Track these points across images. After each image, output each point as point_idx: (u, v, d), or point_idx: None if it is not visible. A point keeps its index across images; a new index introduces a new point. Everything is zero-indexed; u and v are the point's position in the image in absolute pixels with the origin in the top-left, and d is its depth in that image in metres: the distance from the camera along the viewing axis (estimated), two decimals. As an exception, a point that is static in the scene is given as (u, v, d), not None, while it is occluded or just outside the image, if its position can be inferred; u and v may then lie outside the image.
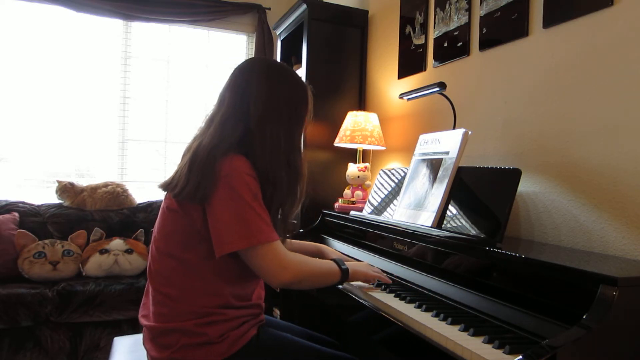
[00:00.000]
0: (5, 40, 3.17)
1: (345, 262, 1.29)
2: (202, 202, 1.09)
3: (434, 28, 2.12)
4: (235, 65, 1.26)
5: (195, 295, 1.12)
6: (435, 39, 2.11)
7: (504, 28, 1.71)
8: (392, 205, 1.78)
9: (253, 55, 3.63)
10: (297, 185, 1.21)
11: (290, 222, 1.24)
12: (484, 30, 1.81)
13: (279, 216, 1.19)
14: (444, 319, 1.07)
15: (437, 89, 1.79)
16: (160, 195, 3.56)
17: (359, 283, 1.36)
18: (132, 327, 2.45)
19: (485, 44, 1.81)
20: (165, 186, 1.19)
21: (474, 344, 0.92)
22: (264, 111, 1.17)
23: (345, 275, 1.25)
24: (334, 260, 1.28)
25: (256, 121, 1.16)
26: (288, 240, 1.55)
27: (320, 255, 1.58)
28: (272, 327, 1.27)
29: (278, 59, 3.30)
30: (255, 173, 1.12)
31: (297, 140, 1.24)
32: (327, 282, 1.23)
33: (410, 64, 2.30)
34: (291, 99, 1.23)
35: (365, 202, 2.02)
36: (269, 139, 1.15)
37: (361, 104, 2.70)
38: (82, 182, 2.98)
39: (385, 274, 1.37)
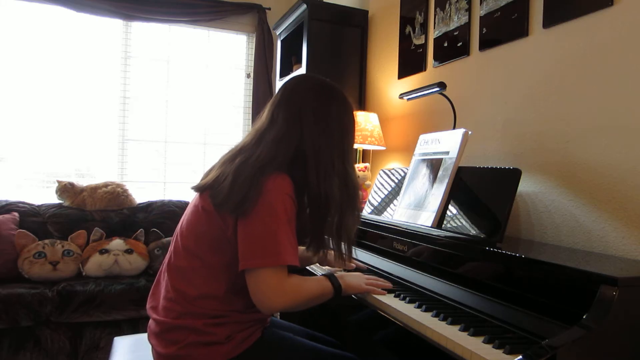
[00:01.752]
0: (5, 40, 3.17)
1: (339, 275, 1.27)
2: (242, 215, 1.08)
3: (434, 28, 2.12)
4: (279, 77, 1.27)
5: (210, 298, 1.12)
6: (435, 39, 2.11)
7: (504, 28, 1.71)
8: (392, 205, 1.78)
9: (253, 55, 3.63)
10: (355, 203, 1.21)
11: (353, 239, 1.25)
12: (484, 30, 1.81)
13: (343, 239, 1.20)
14: (444, 319, 1.07)
15: (437, 89, 1.79)
16: (159, 195, 3.58)
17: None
18: (132, 327, 2.44)
19: (485, 44, 1.81)
20: (202, 189, 1.18)
21: (473, 344, 0.92)
22: (318, 132, 1.17)
23: (339, 292, 1.23)
24: (326, 275, 1.25)
25: (310, 144, 1.16)
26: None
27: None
28: (273, 327, 1.28)
29: (278, 59, 3.30)
30: (295, 195, 1.11)
31: (351, 161, 1.25)
32: (319, 302, 1.21)
33: (410, 64, 2.30)
34: (342, 118, 1.23)
35: (365, 202, 2.02)
36: (323, 164, 1.15)
37: (361, 104, 2.70)
38: (82, 182, 2.98)
39: (382, 280, 1.34)
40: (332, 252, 1.26)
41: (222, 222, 1.11)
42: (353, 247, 1.26)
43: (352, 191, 1.20)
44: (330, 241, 1.21)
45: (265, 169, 1.09)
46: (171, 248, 1.21)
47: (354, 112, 1.29)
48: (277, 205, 1.07)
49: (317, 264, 1.59)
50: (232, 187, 1.08)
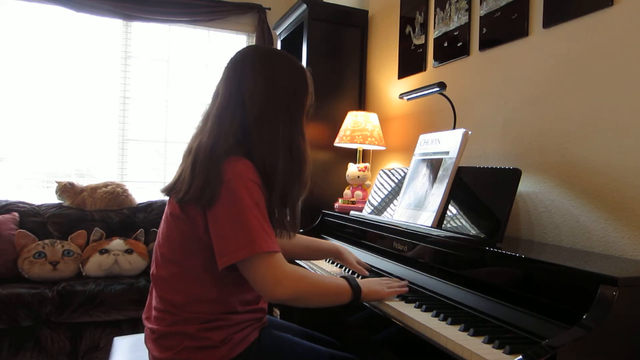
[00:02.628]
0: (6, 40, 3.17)
1: (359, 280, 1.22)
2: (207, 205, 1.04)
3: (434, 28, 2.12)
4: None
5: (199, 302, 1.10)
6: (435, 39, 2.11)
7: (504, 28, 1.71)
8: (392, 205, 1.78)
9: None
10: (302, 172, 1.16)
11: (298, 213, 1.20)
12: (484, 30, 1.81)
13: (286, 209, 1.14)
14: (444, 319, 1.07)
15: (437, 89, 1.79)
16: (160, 195, 3.57)
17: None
18: (132, 327, 2.45)
19: (485, 44, 1.81)
20: (168, 190, 1.16)
21: (474, 344, 0.92)
22: (259, 103, 1.12)
23: (358, 294, 1.17)
24: (345, 277, 1.20)
25: (252, 114, 1.11)
26: (298, 235, 1.51)
27: (337, 256, 1.54)
28: (272, 328, 1.27)
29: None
30: (259, 178, 1.07)
31: (300, 127, 1.18)
32: (333, 302, 1.15)
33: (410, 64, 2.30)
34: (289, 85, 1.17)
35: (365, 202, 2.02)
36: (266, 132, 1.11)
37: (361, 104, 2.70)
38: (82, 182, 2.98)
39: (397, 281, 1.31)
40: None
41: (191, 222, 1.08)
42: (297, 219, 1.20)
43: (298, 161, 1.14)
44: (279, 213, 1.13)
45: (217, 148, 1.06)
46: (153, 258, 1.19)
47: (305, 78, 1.20)
48: (240, 192, 1.03)
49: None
50: (191, 178, 1.06)
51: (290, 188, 1.13)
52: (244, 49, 1.22)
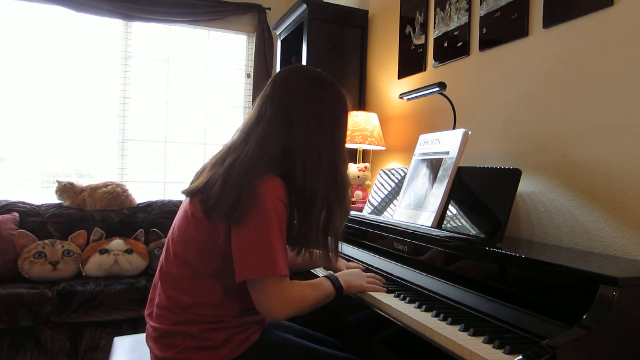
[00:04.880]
0: (5, 40, 3.17)
1: (339, 275, 1.26)
2: (235, 222, 1.04)
3: (434, 28, 2.12)
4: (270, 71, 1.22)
5: (205, 305, 1.10)
6: (435, 39, 2.11)
7: (504, 28, 1.71)
8: (392, 205, 1.78)
9: (253, 55, 3.63)
10: (344, 198, 1.16)
11: (340, 236, 1.20)
12: (484, 30, 1.81)
13: (330, 235, 1.16)
14: (444, 319, 1.07)
15: (437, 89, 1.79)
16: (159, 195, 3.58)
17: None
18: (132, 327, 2.44)
19: (485, 44, 1.81)
20: (192, 193, 1.14)
21: (474, 344, 0.92)
22: (306, 129, 1.12)
23: (340, 293, 1.22)
24: (327, 277, 1.24)
25: (298, 138, 1.11)
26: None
27: (327, 267, 1.53)
28: (272, 328, 1.27)
29: (278, 59, 3.30)
30: (287, 199, 1.08)
31: (342, 153, 1.18)
32: (321, 305, 1.20)
33: (410, 64, 2.30)
34: (334, 110, 1.17)
35: (365, 202, 2.02)
36: (310, 158, 1.11)
37: (361, 104, 2.70)
38: (82, 182, 2.97)
39: (378, 278, 1.34)
40: (317, 252, 1.21)
41: (212, 229, 1.08)
42: (340, 245, 1.22)
43: (341, 187, 1.15)
44: (317, 240, 1.15)
45: (254, 169, 1.05)
46: (163, 253, 1.19)
47: (347, 104, 1.22)
48: (270, 212, 1.03)
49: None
50: (222, 192, 1.05)
51: (333, 215, 1.14)
52: (291, 68, 1.23)
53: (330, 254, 1.18)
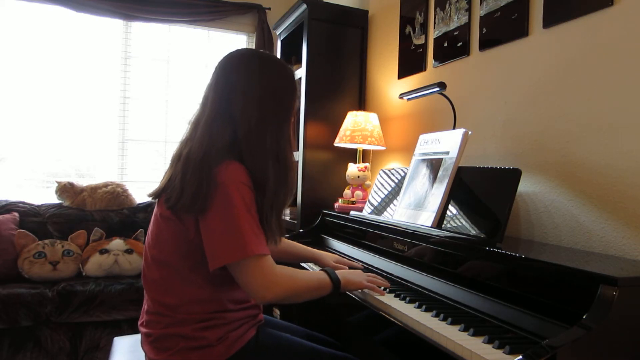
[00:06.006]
0: (5, 40, 3.17)
1: (338, 272, 1.25)
2: (200, 212, 1.05)
3: (434, 28, 2.12)
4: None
5: (192, 303, 1.10)
6: (435, 39, 2.11)
7: (504, 28, 1.71)
8: (392, 205, 1.78)
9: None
10: (287, 178, 1.16)
11: (283, 218, 1.20)
12: (484, 30, 1.81)
13: (273, 215, 1.14)
14: (444, 319, 1.07)
15: (437, 89, 1.79)
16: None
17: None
18: (132, 327, 2.45)
19: (485, 44, 1.81)
20: (157, 195, 1.15)
21: (474, 344, 0.92)
22: (247, 111, 1.12)
23: (337, 286, 1.21)
24: (324, 270, 1.23)
25: (241, 123, 1.11)
26: (283, 240, 1.52)
27: (315, 262, 1.57)
28: (271, 327, 1.27)
29: (278, 59, 3.29)
30: (250, 181, 1.08)
31: (286, 133, 1.18)
32: (317, 296, 1.18)
33: (410, 64, 2.30)
34: (276, 91, 1.16)
35: (365, 202, 2.02)
36: (255, 139, 1.11)
37: (361, 104, 2.70)
38: (82, 182, 2.98)
39: (380, 278, 1.34)
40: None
41: (182, 225, 1.08)
42: (283, 223, 1.20)
43: (283, 165, 1.15)
44: (265, 218, 1.13)
45: (208, 157, 1.06)
46: (143, 260, 1.19)
47: (291, 83, 1.20)
48: (233, 196, 1.03)
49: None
50: (182, 185, 1.05)
51: (278, 194, 1.14)
52: (232, 53, 1.21)
53: (276, 232, 1.16)
